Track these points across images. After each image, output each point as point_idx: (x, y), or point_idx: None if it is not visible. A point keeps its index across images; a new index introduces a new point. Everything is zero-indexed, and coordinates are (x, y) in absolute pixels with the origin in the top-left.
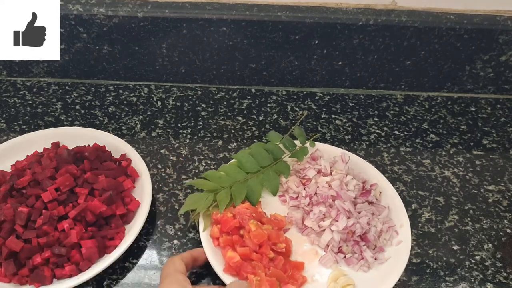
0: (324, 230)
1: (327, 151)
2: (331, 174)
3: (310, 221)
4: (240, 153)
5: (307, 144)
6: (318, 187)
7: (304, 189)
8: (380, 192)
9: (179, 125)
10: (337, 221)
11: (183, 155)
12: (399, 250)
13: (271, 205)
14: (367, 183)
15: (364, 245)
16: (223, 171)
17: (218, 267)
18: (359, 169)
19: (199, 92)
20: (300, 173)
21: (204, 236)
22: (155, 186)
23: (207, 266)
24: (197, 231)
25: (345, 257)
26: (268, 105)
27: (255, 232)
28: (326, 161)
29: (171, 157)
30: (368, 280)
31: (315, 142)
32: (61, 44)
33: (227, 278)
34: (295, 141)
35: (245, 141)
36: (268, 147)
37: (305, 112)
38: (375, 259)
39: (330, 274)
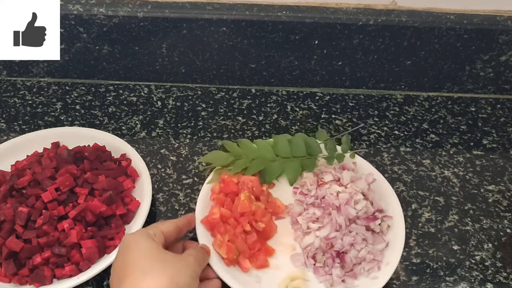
0: (310, 232)
1: (362, 167)
2: (346, 187)
3: (302, 219)
4: (280, 136)
5: (347, 154)
6: (327, 193)
7: (316, 189)
8: (389, 226)
9: (179, 125)
10: (323, 228)
11: (183, 155)
12: (369, 285)
13: (284, 192)
14: (382, 212)
15: (338, 263)
16: (257, 144)
17: (199, 217)
18: (382, 196)
19: (199, 92)
20: (321, 174)
21: (206, 187)
22: (155, 186)
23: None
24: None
25: (314, 264)
26: (268, 105)
27: (242, 202)
28: (348, 173)
29: (171, 157)
30: None
31: (356, 155)
32: (61, 44)
33: (200, 228)
34: (337, 147)
35: None
36: (309, 141)
37: (360, 124)
38: (342, 280)
39: (291, 272)
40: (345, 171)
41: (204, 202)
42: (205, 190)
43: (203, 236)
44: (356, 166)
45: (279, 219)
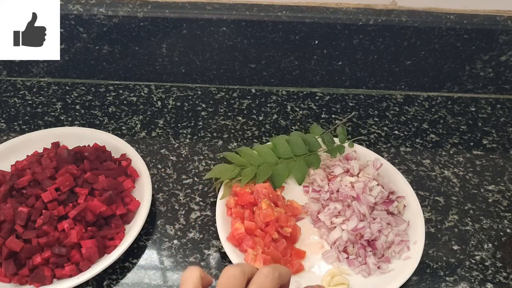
0: (335, 227)
1: (363, 154)
2: (358, 176)
3: (324, 215)
4: (277, 137)
5: (346, 144)
6: (341, 185)
7: (328, 184)
8: (405, 206)
9: (179, 125)
10: (349, 220)
11: (183, 155)
12: (404, 265)
13: (294, 192)
14: (394, 194)
15: (370, 251)
16: (257, 150)
17: (223, 235)
18: (390, 179)
19: (199, 92)
20: (329, 169)
21: (220, 203)
22: (155, 186)
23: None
24: (197, 231)
25: (348, 257)
26: (268, 105)
27: (264, 211)
28: (356, 162)
29: (171, 157)
30: (364, 286)
31: (354, 144)
32: (61, 44)
33: (227, 246)
34: (335, 138)
35: (245, 141)
36: (306, 138)
37: (352, 113)
38: (378, 267)
39: (329, 269)
40: (353, 160)
41: (223, 219)
42: (220, 206)
43: (232, 254)
44: (357, 154)
45: (298, 220)
